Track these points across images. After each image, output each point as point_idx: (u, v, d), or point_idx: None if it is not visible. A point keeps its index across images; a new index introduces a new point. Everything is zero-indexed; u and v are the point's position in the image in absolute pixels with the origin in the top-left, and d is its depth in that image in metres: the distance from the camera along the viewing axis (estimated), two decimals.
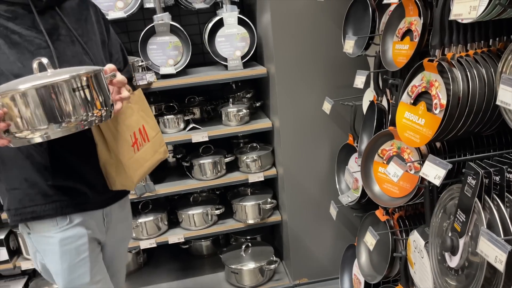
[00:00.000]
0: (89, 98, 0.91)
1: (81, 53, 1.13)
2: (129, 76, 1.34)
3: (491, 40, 1.14)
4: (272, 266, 2.28)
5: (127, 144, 1.15)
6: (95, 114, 0.92)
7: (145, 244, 2.20)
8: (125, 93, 1.06)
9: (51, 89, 0.86)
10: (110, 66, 1.03)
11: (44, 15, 1.09)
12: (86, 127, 0.93)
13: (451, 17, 1.01)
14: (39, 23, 1.06)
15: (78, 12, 1.18)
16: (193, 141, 2.12)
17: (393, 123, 1.39)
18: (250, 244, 2.36)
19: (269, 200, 2.29)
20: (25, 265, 2.16)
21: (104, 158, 1.15)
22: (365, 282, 1.76)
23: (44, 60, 0.92)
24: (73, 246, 1.16)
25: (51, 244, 1.15)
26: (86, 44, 1.15)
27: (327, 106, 1.92)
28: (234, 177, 2.22)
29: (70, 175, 1.15)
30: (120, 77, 1.04)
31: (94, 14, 1.23)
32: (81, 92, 0.90)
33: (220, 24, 2.14)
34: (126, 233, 1.41)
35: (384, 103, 1.60)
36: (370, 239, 1.60)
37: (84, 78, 0.90)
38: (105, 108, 0.95)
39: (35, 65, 0.93)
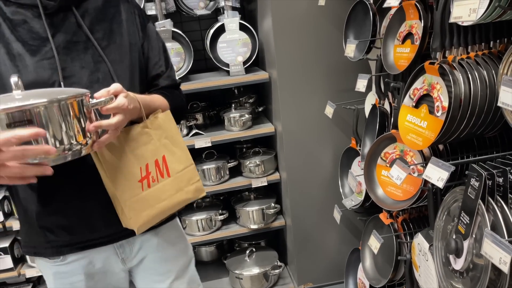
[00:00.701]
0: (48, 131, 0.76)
1: (94, 62, 0.99)
2: (171, 82, 1.16)
3: (491, 42, 1.14)
4: (277, 271, 2.27)
5: (132, 178, 0.94)
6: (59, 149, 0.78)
7: None
8: (105, 121, 0.86)
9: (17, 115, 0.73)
10: (114, 87, 0.89)
11: (56, 18, 0.97)
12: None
13: (451, 20, 1.02)
14: (47, 28, 0.94)
15: (103, 11, 1.03)
16: (196, 147, 2.13)
17: (395, 126, 1.39)
18: (254, 249, 2.35)
19: (272, 205, 2.29)
20: (29, 273, 2.16)
21: (111, 191, 0.96)
22: (370, 286, 1.75)
23: (13, 79, 0.79)
24: (67, 281, 1.07)
25: (47, 274, 1.09)
26: (105, 49, 1.00)
27: (329, 110, 1.92)
28: (238, 182, 2.22)
29: (63, 213, 1.00)
30: (115, 103, 0.87)
31: (125, 11, 1.06)
32: (24, 123, 0.74)
33: (221, 30, 2.15)
34: (169, 265, 1.16)
35: (386, 106, 1.60)
36: (374, 243, 1.60)
37: (39, 109, 0.74)
38: (66, 144, 0.79)
39: (12, 82, 0.80)
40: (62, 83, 0.95)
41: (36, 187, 0.99)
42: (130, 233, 1.05)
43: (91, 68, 0.99)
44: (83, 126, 0.82)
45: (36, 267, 2.16)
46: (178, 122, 1.08)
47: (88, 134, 0.83)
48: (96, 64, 0.99)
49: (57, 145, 0.78)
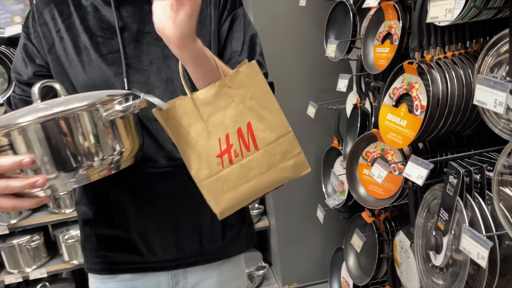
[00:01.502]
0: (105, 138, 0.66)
1: (164, 56, 0.84)
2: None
3: (468, 42, 1.17)
4: (261, 272, 2.27)
5: (209, 153, 0.74)
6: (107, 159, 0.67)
7: None
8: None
9: (59, 123, 0.62)
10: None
11: (129, 5, 0.84)
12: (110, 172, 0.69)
13: (428, 20, 1.04)
14: (115, 16, 0.82)
15: None
16: None
17: (376, 126, 1.41)
18: None
19: (256, 205, 2.28)
20: (8, 279, 2.10)
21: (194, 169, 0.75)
22: (354, 285, 1.77)
23: (34, 88, 0.69)
24: None
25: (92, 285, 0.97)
26: None
27: (311, 110, 1.93)
28: None
29: (120, 223, 0.88)
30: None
31: None
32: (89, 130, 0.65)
33: None
34: None
35: (367, 106, 1.62)
36: (357, 241, 1.61)
37: (22, 130, 0.61)
38: (70, 170, 0.64)
39: (35, 90, 0.70)
40: (125, 82, 0.82)
41: (93, 195, 0.89)
42: (189, 263, 0.91)
43: (159, 64, 0.84)
44: (99, 141, 0.66)
45: (15, 273, 2.11)
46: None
47: (113, 148, 0.68)
48: (166, 60, 0.84)
49: (53, 173, 0.63)
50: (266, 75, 0.89)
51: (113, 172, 0.70)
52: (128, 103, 0.68)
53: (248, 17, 0.92)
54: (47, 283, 2.19)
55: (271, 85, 0.87)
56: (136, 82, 0.83)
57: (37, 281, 2.18)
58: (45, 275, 2.13)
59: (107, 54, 0.82)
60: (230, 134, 0.74)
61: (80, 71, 0.83)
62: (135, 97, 0.71)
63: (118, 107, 0.67)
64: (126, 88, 0.82)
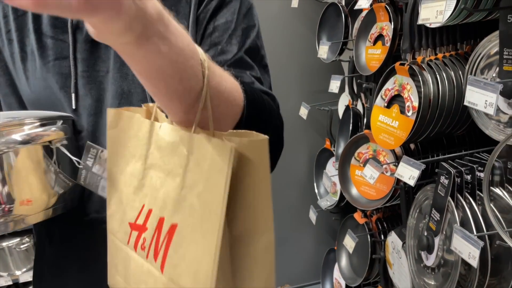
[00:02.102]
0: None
1: (121, 62, 0.63)
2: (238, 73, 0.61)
3: (458, 44, 1.18)
4: None
5: (128, 211, 0.52)
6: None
7: None
8: None
9: None
10: None
11: None
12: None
13: (419, 22, 1.04)
14: None
15: None
16: None
17: (368, 127, 1.41)
18: None
19: None
20: None
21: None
22: (346, 285, 1.77)
23: None
24: None
25: None
26: None
27: (303, 112, 1.93)
28: None
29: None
30: None
31: None
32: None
33: None
34: None
35: (359, 107, 1.63)
36: (349, 242, 1.62)
37: None
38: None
39: None
40: (73, 98, 0.63)
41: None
42: None
43: (115, 73, 0.63)
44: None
45: (5, 276, 2.07)
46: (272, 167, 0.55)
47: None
48: (123, 68, 0.63)
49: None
50: (267, 94, 0.61)
51: (12, 229, 0.52)
52: (34, 131, 0.51)
53: (251, 7, 0.66)
54: None
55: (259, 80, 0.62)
56: (86, 98, 0.63)
57: (27, 284, 2.15)
58: (10, 283, 2.10)
59: (54, 60, 0.63)
60: (152, 214, 0.48)
61: (24, 82, 0.65)
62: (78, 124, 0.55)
63: (15, 137, 0.49)
64: (73, 107, 0.63)
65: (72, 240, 0.67)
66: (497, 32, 0.93)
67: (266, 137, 0.40)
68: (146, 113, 0.52)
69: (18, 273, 2.07)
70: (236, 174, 0.40)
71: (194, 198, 0.42)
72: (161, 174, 0.47)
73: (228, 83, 0.48)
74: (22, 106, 0.67)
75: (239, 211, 0.42)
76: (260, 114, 0.54)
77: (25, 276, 2.07)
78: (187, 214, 0.43)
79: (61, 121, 0.57)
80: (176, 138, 0.45)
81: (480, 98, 0.85)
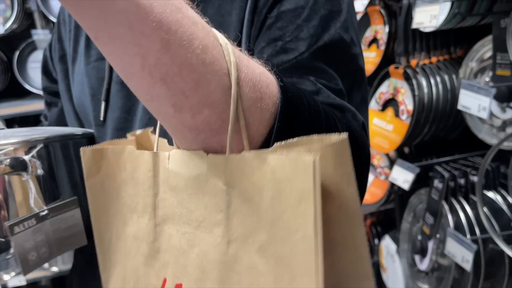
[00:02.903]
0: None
1: None
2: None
3: (452, 48, 1.19)
4: None
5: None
6: None
7: None
8: None
9: None
10: None
11: None
12: None
13: (414, 26, 1.05)
14: None
15: None
16: None
17: None
18: None
19: None
20: None
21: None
22: None
23: None
24: None
25: None
26: None
27: None
28: None
29: None
30: None
31: None
32: None
33: None
34: None
35: None
36: None
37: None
38: None
39: None
40: (102, 109, 0.53)
41: None
42: None
43: None
44: None
45: None
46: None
47: None
48: None
49: None
50: (338, 107, 0.40)
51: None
52: None
53: None
54: None
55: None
56: (116, 109, 0.51)
57: None
58: (24, 283, 2.07)
59: (95, 61, 0.54)
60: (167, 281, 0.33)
61: (72, 87, 0.59)
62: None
63: None
64: (101, 119, 0.52)
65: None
66: (490, 37, 0.94)
67: (345, 135, 0.26)
68: (138, 144, 0.37)
69: (6, 278, 2.04)
70: None
71: (254, 256, 0.27)
72: (187, 228, 0.31)
73: (259, 75, 0.31)
74: (77, 115, 0.58)
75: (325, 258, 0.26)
76: (305, 125, 0.33)
77: (14, 280, 2.04)
78: (247, 283, 0.27)
79: (59, 142, 0.48)
80: (201, 168, 0.30)
81: (474, 102, 0.85)
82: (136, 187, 0.34)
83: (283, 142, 0.27)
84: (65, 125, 0.62)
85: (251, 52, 0.43)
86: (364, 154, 0.39)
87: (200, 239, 0.30)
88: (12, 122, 1.72)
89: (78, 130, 0.53)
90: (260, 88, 0.31)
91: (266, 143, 0.31)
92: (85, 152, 0.36)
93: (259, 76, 0.31)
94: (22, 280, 2.10)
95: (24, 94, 1.78)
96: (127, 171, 0.35)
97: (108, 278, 0.37)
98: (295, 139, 0.27)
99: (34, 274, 2.13)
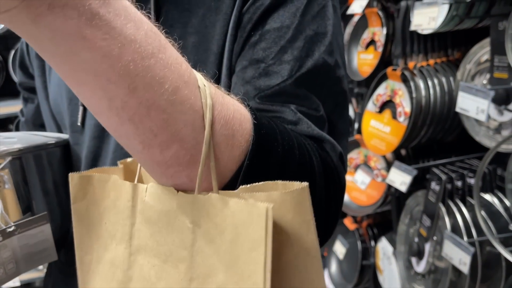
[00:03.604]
0: None
1: None
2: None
3: (449, 50, 1.19)
4: None
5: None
6: None
7: None
8: None
9: None
10: None
11: None
12: None
13: (412, 28, 1.05)
14: None
15: None
16: None
17: (359, 132, 1.41)
18: None
19: None
20: None
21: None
22: None
23: None
24: None
25: None
26: None
27: None
28: None
29: None
30: None
31: None
32: None
33: None
34: None
35: (351, 112, 1.63)
36: (340, 248, 1.61)
37: None
38: None
39: None
40: (79, 113, 0.50)
41: None
42: None
43: None
44: None
45: None
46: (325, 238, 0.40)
47: None
48: None
49: None
50: (316, 139, 0.40)
51: None
52: None
53: (325, 6, 0.44)
54: None
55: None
56: (90, 123, 0.49)
57: None
58: (18, 284, 2.05)
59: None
60: None
61: (48, 86, 0.56)
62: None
63: None
64: (79, 123, 0.50)
65: None
66: (488, 39, 0.94)
67: (305, 184, 0.27)
68: (125, 173, 0.37)
69: None
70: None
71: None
72: (156, 261, 0.32)
73: (233, 112, 0.32)
74: (53, 116, 0.56)
75: None
76: (277, 162, 0.34)
77: None
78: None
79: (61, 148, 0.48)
80: (172, 204, 0.31)
81: (472, 105, 0.85)
82: (117, 215, 0.35)
83: (248, 185, 0.29)
84: (42, 122, 0.60)
85: (232, 67, 0.43)
86: (339, 185, 0.40)
87: (166, 273, 0.31)
88: (7, 121, 1.70)
89: (51, 138, 0.52)
90: (233, 126, 0.31)
91: (235, 178, 0.32)
92: (73, 178, 0.37)
93: (233, 113, 0.32)
94: (16, 281, 2.08)
95: (19, 93, 1.77)
96: (110, 198, 0.36)
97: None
98: (261, 183, 0.29)
99: (28, 275, 2.11)
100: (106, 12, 0.25)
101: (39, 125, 0.62)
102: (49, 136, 0.53)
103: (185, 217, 0.30)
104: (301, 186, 0.27)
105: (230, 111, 0.31)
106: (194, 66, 0.31)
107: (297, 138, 0.36)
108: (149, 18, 0.29)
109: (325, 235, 0.39)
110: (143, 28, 0.27)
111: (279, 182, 0.29)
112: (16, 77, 0.65)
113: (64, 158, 0.51)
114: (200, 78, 0.30)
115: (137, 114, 0.27)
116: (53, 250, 0.46)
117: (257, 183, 0.29)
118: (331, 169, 0.39)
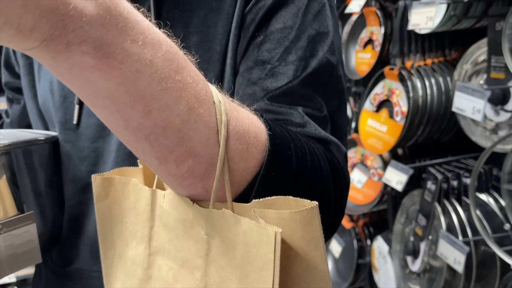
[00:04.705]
0: None
1: None
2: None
3: (446, 50, 1.19)
4: None
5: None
6: None
7: None
8: None
9: None
10: None
11: None
12: None
13: (410, 27, 1.05)
14: None
15: None
16: None
17: (356, 131, 1.41)
18: None
19: None
20: None
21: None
22: None
23: None
24: None
25: None
26: None
27: None
28: None
29: None
30: None
31: None
32: None
33: None
34: None
35: (348, 111, 1.63)
36: (336, 247, 1.61)
37: None
38: None
39: None
40: (76, 109, 0.49)
41: None
42: None
43: None
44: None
45: None
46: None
47: None
48: None
49: None
50: (323, 141, 0.42)
51: None
52: None
53: (324, 6, 0.45)
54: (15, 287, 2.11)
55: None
56: (94, 116, 0.42)
57: (5, 285, 2.09)
58: (14, 280, 2.05)
59: None
60: None
61: (37, 84, 0.55)
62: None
63: None
64: (74, 122, 0.49)
65: None
66: (485, 40, 0.94)
67: (314, 204, 0.28)
68: (144, 175, 0.38)
69: None
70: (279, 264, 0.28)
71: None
72: (173, 264, 0.34)
73: (248, 126, 0.33)
74: (41, 115, 0.55)
75: None
76: (291, 170, 0.35)
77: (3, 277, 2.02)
78: None
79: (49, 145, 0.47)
80: (188, 214, 0.33)
81: (468, 105, 0.85)
82: (137, 217, 0.37)
83: (261, 199, 0.30)
84: (28, 123, 0.59)
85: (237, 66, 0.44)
86: (345, 184, 0.42)
87: (183, 277, 0.33)
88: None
89: (40, 135, 0.51)
90: (248, 139, 0.32)
91: (251, 186, 0.33)
92: (96, 179, 0.39)
93: (247, 127, 0.33)
94: (11, 277, 2.08)
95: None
96: (130, 200, 0.38)
97: (109, 276, 0.41)
98: (273, 197, 0.30)
99: (24, 271, 2.10)
100: (123, 41, 0.26)
101: (25, 126, 0.62)
102: (37, 133, 0.52)
103: (200, 228, 0.32)
104: (311, 205, 0.28)
105: (244, 125, 0.32)
106: (198, 66, 0.32)
107: (307, 144, 0.38)
108: (149, 18, 0.29)
109: (331, 230, 0.42)
110: (161, 51, 0.27)
111: (291, 198, 0.29)
112: (2, 77, 0.64)
113: (54, 156, 0.51)
114: (216, 94, 0.31)
115: (152, 133, 0.28)
116: (38, 252, 0.45)
117: (269, 198, 0.30)
118: (337, 170, 0.40)
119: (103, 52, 0.25)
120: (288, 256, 0.29)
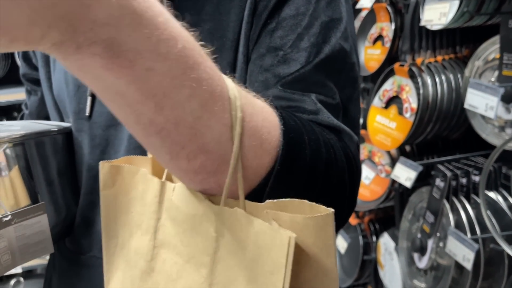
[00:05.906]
0: None
1: None
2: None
3: (458, 47, 1.18)
4: None
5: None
6: None
7: None
8: None
9: None
10: None
11: None
12: None
13: (422, 23, 1.04)
14: None
15: None
16: None
17: (364, 127, 1.41)
18: None
19: None
20: None
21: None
22: None
23: None
24: None
25: None
26: None
27: None
28: None
29: None
30: None
31: None
32: None
33: None
34: None
35: None
36: (341, 243, 1.61)
37: None
38: None
39: None
40: (89, 100, 0.50)
41: None
42: None
43: None
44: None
45: None
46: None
47: None
48: None
49: None
50: (335, 129, 0.41)
51: None
52: None
53: None
54: (21, 278, 2.12)
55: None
56: (100, 110, 0.49)
57: (10, 276, 2.11)
58: (19, 271, 2.06)
59: None
60: None
61: (52, 75, 0.55)
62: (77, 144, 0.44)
63: None
64: (87, 114, 0.49)
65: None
66: (497, 37, 0.94)
67: (331, 211, 0.27)
68: (153, 165, 0.37)
69: None
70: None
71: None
72: (178, 259, 0.33)
73: (262, 121, 0.32)
74: (57, 106, 0.55)
75: None
76: (305, 164, 0.35)
77: None
78: None
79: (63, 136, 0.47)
80: (198, 209, 0.32)
81: (481, 102, 0.85)
82: (144, 207, 0.36)
83: (275, 200, 0.29)
84: (46, 114, 0.59)
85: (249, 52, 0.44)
86: (357, 174, 0.41)
87: (187, 273, 0.32)
88: (12, 109, 1.70)
89: (54, 126, 0.51)
90: (261, 135, 0.32)
91: (266, 181, 0.33)
92: (104, 166, 0.38)
93: (261, 122, 0.32)
94: (18, 268, 2.09)
95: None
96: (138, 190, 0.37)
97: (109, 279, 0.40)
98: (288, 200, 0.29)
99: (30, 263, 2.11)
100: (135, 40, 0.25)
101: (44, 118, 0.62)
102: (51, 124, 0.53)
103: (210, 225, 0.31)
104: (326, 212, 0.27)
105: (259, 121, 0.31)
106: (210, 53, 0.31)
107: (322, 135, 0.37)
108: (169, 9, 0.27)
109: (343, 221, 0.41)
110: (177, 47, 0.26)
111: (306, 202, 0.28)
112: (20, 69, 0.65)
113: (67, 146, 0.51)
114: (232, 88, 0.30)
115: (164, 129, 0.28)
116: (50, 242, 0.45)
117: (284, 200, 0.29)
118: (350, 160, 0.40)
119: (113, 52, 0.24)
120: (298, 261, 0.28)
